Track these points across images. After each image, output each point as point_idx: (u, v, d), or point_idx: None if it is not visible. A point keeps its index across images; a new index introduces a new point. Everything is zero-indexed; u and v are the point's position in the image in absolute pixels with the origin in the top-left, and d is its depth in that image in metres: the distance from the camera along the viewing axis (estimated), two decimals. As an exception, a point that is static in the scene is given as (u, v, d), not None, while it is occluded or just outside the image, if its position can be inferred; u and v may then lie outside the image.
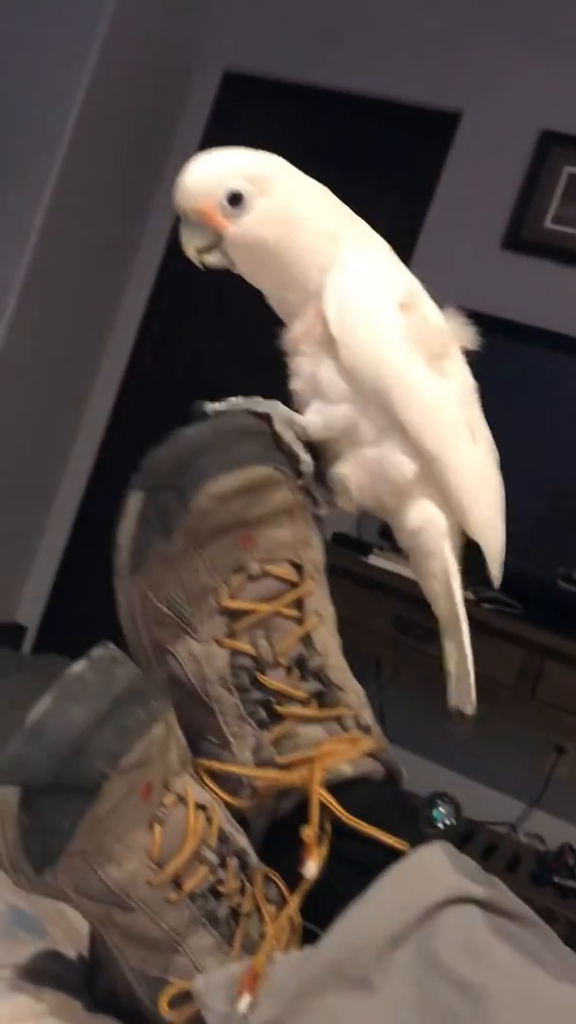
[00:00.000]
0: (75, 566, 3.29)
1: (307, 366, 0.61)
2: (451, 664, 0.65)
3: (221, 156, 0.60)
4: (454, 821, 2.35)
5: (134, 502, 0.58)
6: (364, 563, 2.35)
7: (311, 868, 0.53)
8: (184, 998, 0.50)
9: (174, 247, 3.28)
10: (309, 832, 0.54)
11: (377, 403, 0.59)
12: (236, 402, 0.60)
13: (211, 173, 0.59)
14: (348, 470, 0.61)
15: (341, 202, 0.63)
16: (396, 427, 0.59)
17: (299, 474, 0.59)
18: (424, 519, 0.62)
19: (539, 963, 0.50)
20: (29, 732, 0.49)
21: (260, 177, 0.59)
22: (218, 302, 3.14)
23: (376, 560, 2.36)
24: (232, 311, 3.10)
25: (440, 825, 2.34)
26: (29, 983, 0.55)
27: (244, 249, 0.60)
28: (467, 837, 2.39)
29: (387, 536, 2.61)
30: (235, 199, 0.58)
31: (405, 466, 0.60)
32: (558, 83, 2.73)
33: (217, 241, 0.61)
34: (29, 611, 3.32)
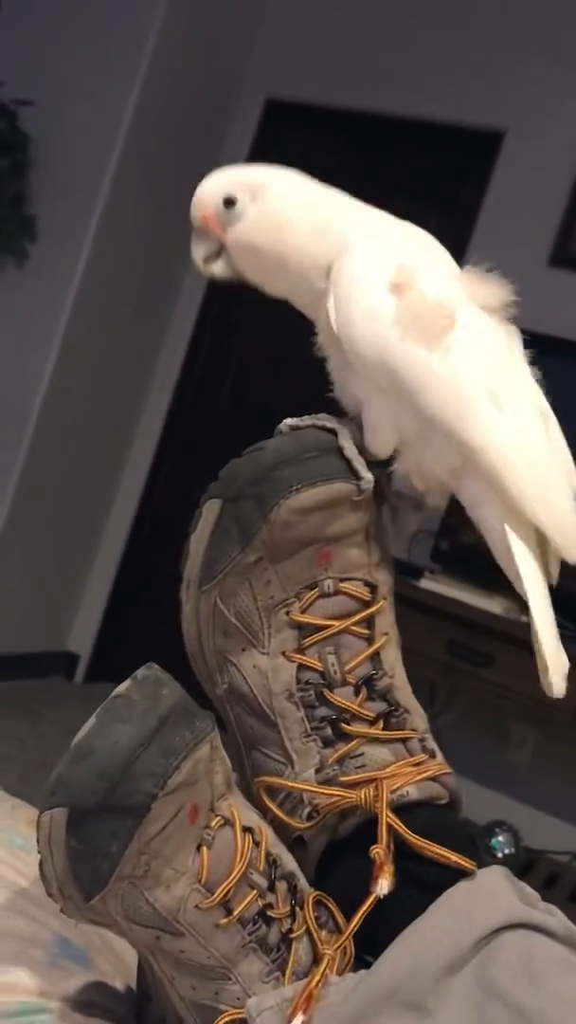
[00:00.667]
0: (125, 594, 3.30)
1: (336, 372, 0.61)
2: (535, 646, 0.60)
3: (226, 168, 0.61)
4: (513, 850, 2.30)
5: (211, 510, 0.58)
6: (415, 587, 2.32)
7: (383, 886, 0.51)
8: None
9: (217, 283, 3.30)
10: (379, 850, 0.52)
11: (396, 397, 0.57)
12: (310, 419, 0.60)
13: (212, 183, 0.60)
14: (404, 467, 0.59)
15: (350, 199, 0.62)
16: (422, 416, 0.57)
17: (361, 491, 0.58)
18: (474, 500, 0.58)
19: None
20: (75, 752, 0.48)
21: (254, 184, 0.59)
22: (261, 332, 3.16)
23: (428, 584, 2.33)
24: (275, 339, 3.12)
25: (499, 854, 2.29)
26: (76, 1013, 0.54)
27: (242, 255, 0.61)
28: (527, 867, 2.34)
29: (439, 559, 2.58)
30: (229, 204, 0.59)
31: (445, 453, 0.57)
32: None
33: (219, 250, 0.61)
34: (81, 639, 3.33)
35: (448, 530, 2.52)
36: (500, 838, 2.30)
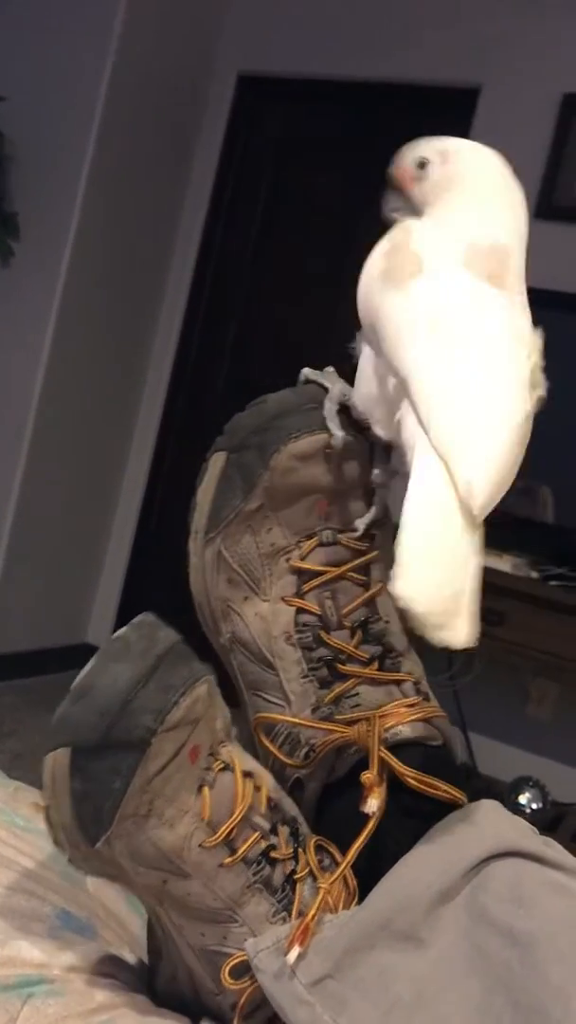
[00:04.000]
0: (139, 582, 3.32)
1: None
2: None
3: (431, 138, 0.63)
4: (541, 805, 2.31)
5: (217, 462, 0.60)
6: (425, 551, 2.32)
7: (372, 805, 0.52)
8: (246, 968, 0.50)
9: (205, 252, 3.30)
10: (369, 775, 0.53)
11: (371, 340, 0.57)
12: (319, 374, 0.61)
13: (414, 146, 0.62)
14: (374, 417, 0.58)
15: (508, 186, 0.60)
16: (381, 354, 0.56)
17: (332, 446, 0.58)
18: (406, 438, 0.54)
19: None
20: (75, 693, 0.49)
21: (447, 150, 0.60)
22: (258, 300, 3.15)
23: (437, 547, 2.32)
24: (270, 321, 3.11)
25: (527, 810, 2.30)
26: (78, 982, 0.54)
27: (420, 211, 0.61)
28: (556, 820, 2.35)
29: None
30: (422, 165, 0.61)
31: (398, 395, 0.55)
32: (575, 44, 2.67)
33: (407, 205, 0.62)
34: (98, 631, 3.35)
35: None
36: (527, 794, 2.31)
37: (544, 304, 2.52)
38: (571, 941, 0.47)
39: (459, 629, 0.47)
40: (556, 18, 2.70)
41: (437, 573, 0.48)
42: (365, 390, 0.58)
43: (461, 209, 0.58)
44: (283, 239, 3.12)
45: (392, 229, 0.60)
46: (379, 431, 0.58)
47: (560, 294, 2.46)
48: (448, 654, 2.45)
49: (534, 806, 2.30)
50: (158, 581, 3.36)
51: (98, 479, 3.25)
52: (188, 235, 3.27)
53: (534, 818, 2.29)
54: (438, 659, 3.12)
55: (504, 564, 2.26)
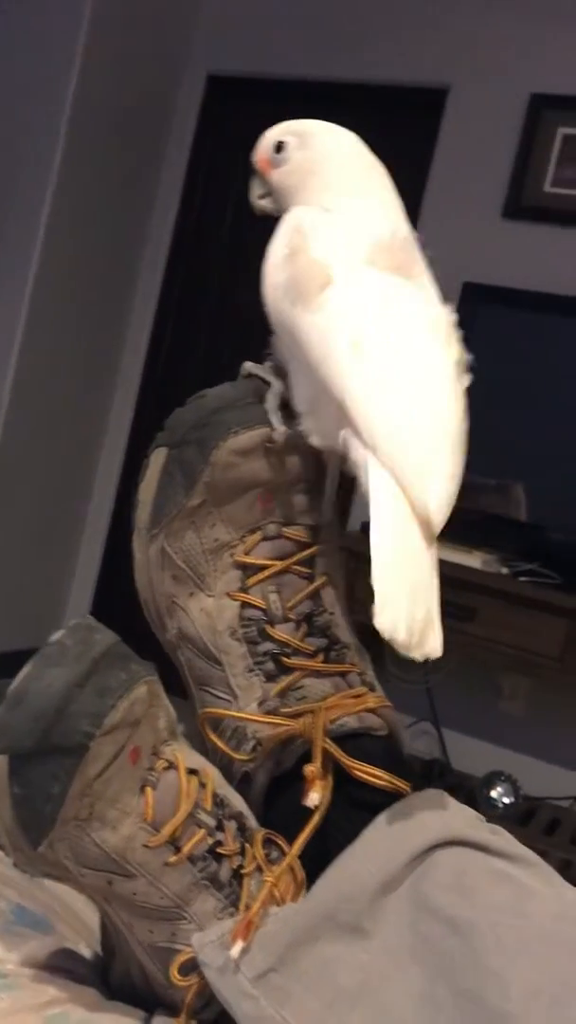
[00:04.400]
0: (112, 584, 3.31)
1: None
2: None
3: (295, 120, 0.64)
4: (513, 799, 2.33)
5: (158, 458, 0.61)
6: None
7: (314, 798, 0.53)
8: (195, 964, 0.50)
9: (176, 252, 3.29)
10: (312, 768, 0.54)
11: (295, 356, 0.58)
12: (259, 368, 0.62)
13: (273, 129, 0.64)
14: (307, 425, 0.59)
15: (374, 165, 0.63)
16: (309, 372, 0.56)
17: (273, 440, 0.59)
18: (355, 457, 0.55)
19: (534, 898, 0.50)
20: (11, 699, 0.49)
21: (303, 132, 0.62)
22: (229, 294, 3.15)
23: (408, 544, 2.34)
24: (241, 312, 3.11)
25: (499, 805, 2.32)
26: (31, 976, 0.54)
27: (281, 195, 0.63)
28: (529, 814, 2.36)
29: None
30: (279, 148, 0.62)
31: (328, 410, 0.56)
32: (544, 44, 2.69)
33: (270, 189, 0.64)
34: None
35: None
36: (499, 788, 2.33)
37: (511, 303, 2.55)
38: (511, 928, 0.48)
39: (432, 642, 0.50)
40: (524, 19, 2.72)
41: (412, 598, 0.50)
42: (302, 396, 0.58)
43: (338, 195, 0.59)
44: (254, 239, 3.12)
45: (284, 227, 0.60)
46: (315, 440, 0.58)
47: (526, 293, 2.48)
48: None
49: (506, 800, 2.32)
50: (132, 584, 3.35)
51: (71, 474, 3.24)
52: (158, 236, 3.27)
53: (506, 812, 2.31)
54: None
55: (475, 560, 2.28)
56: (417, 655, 0.50)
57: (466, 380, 0.56)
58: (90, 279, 3.10)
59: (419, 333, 0.55)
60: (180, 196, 3.24)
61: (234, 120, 3.19)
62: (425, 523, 0.52)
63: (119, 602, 3.45)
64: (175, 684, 0.62)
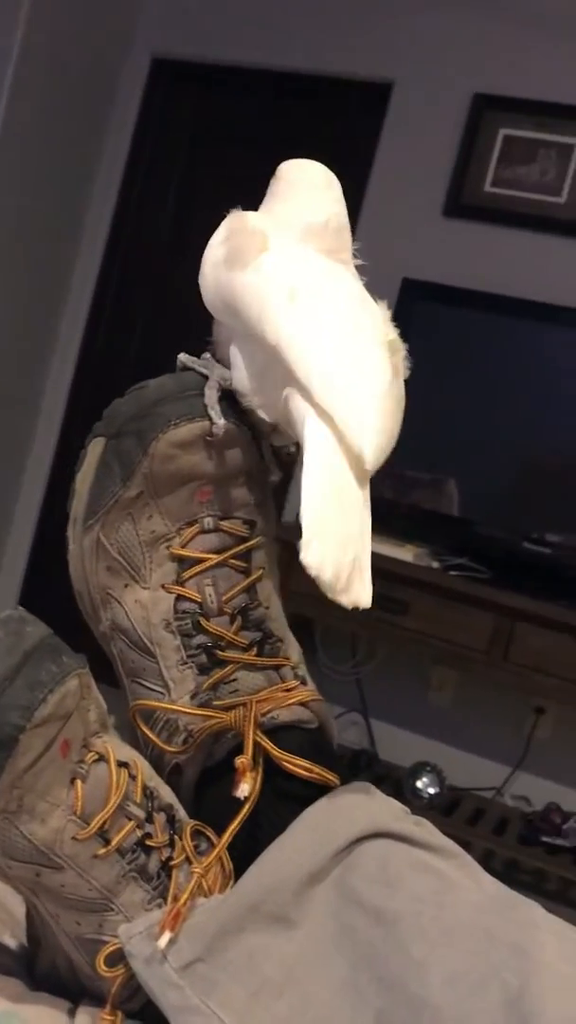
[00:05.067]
0: (41, 577, 3.26)
1: (214, 328, 0.63)
2: None
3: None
4: (438, 789, 2.37)
5: (95, 448, 0.60)
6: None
7: (244, 789, 0.53)
8: (122, 956, 0.50)
9: (116, 233, 3.25)
10: (243, 760, 0.54)
11: (234, 324, 0.59)
12: (197, 361, 0.61)
13: None
14: (255, 400, 0.59)
15: (336, 184, 0.64)
16: (247, 334, 0.57)
17: (213, 434, 0.59)
18: (293, 411, 0.55)
19: (456, 889, 0.51)
20: None
21: (278, 172, 0.64)
22: (167, 283, 3.13)
23: (342, 537, 2.36)
24: (181, 298, 3.09)
25: (424, 795, 2.36)
26: None
27: None
28: (453, 804, 2.41)
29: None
30: None
31: (272, 369, 0.56)
32: (488, 45, 2.72)
33: None
34: None
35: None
36: (425, 779, 2.37)
37: (448, 300, 2.58)
38: (433, 918, 0.49)
39: (359, 590, 0.51)
40: (469, 19, 2.75)
41: (341, 541, 0.51)
42: (241, 375, 0.59)
43: (284, 203, 0.61)
44: (195, 224, 3.11)
45: (224, 221, 0.61)
46: (263, 414, 0.58)
47: (464, 291, 2.51)
48: (352, 644, 2.53)
49: (431, 791, 2.36)
50: (62, 573, 3.31)
51: (1, 463, 3.19)
52: (98, 218, 3.22)
53: (431, 803, 2.35)
54: (343, 647, 3.18)
55: (407, 554, 2.31)
56: (344, 600, 0.50)
57: (402, 362, 0.57)
58: (26, 264, 3.04)
59: (354, 301, 0.57)
60: (120, 178, 3.20)
61: (178, 103, 3.16)
62: (359, 469, 0.52)
63: (48, 591, 3.41)
64: (107, 674, 0.62)
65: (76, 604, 0.64)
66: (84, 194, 3.18)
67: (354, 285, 0.59)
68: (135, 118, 3.18)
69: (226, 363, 0.61)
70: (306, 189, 0.61)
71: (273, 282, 0.56)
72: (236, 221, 0.60)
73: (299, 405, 0.54)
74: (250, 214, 0.60)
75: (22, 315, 3.09)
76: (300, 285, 0.56)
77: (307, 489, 0.51)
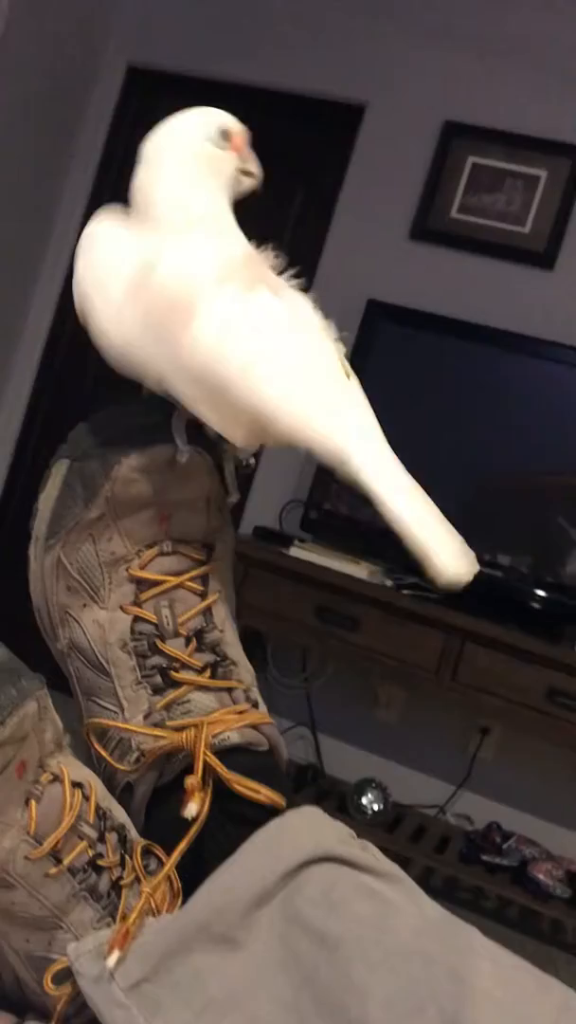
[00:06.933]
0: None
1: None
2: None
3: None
4: (382, 806, 2.39)
5: (59, 469, 0.61)
6: (286, 555, 2.37)
7: (192, 809, 0.54)
8: (69, 973, 0.51)
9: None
10: (192, 780, 0.55)
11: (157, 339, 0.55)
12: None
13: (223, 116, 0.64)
14: (212, 422, 0.56)
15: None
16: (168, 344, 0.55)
17: (176, 460, 0.60)
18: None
19: (398, 913, 0.52)
20: None
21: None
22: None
23: (297, 552, 2.38)
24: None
25: (368, 811, 2.37)
26: None
27: None
28: (396, 821, 2.43)
29: (308, 528, 2.63)
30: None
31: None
32: (460, 74, 2.77)
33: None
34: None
35: (316, 500, 2.57)
36: (369, 795, 2.39)
37: (412, 323, 2.61)
38: (375, 942, 0.50)
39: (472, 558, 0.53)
40: (443, 48, 2.79)
41: (452, 533, 0.52)
42: (207, 416, 0.57)
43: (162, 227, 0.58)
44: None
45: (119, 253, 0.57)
46: (228, 433, 0.57)
47: (427, 314, 2.55)
48: (303, 658, 2.54)
49: (375, 807, 2.38)
50: (10, 588, 3.26)
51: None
52: (68, 220, 3.22)
53: (375, 819, 2.37)
54: (293, 661, 3.18)
55: (361, 571, 2.33)
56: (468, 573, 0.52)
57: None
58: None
59: (312, 330, 0.56)
60: (90, 187, 3.20)
61: (151, 113, 3.15)
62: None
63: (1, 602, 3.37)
64: (63, 684, 0.63)
65: (32, 616, 0.64)
66: (54, 198, 3.17)
67: (307, 308, 0.57)
68: (108, 125, 3.18)
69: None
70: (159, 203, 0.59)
71: (240, 342, 0.53)
72: (145, 270, 0.55)
73: (330, 447, 0.52)
74: (165, 254, 0.56)
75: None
76: (257, 343, 0.54)
77: (403, 515, 0.51)
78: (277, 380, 0.53)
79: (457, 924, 0.54)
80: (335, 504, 2.52)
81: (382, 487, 0.52)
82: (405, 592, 2.33)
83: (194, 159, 0.61)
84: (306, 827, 0.56)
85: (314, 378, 0.54)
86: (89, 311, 0.58)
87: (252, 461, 0.64)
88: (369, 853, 0.57)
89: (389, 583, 2.35)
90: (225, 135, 0.62)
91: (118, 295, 0.56)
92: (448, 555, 0.51)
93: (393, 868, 0.57)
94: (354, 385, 0.57)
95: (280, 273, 0.58)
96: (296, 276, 0.58)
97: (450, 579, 0.51)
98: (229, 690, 0.61)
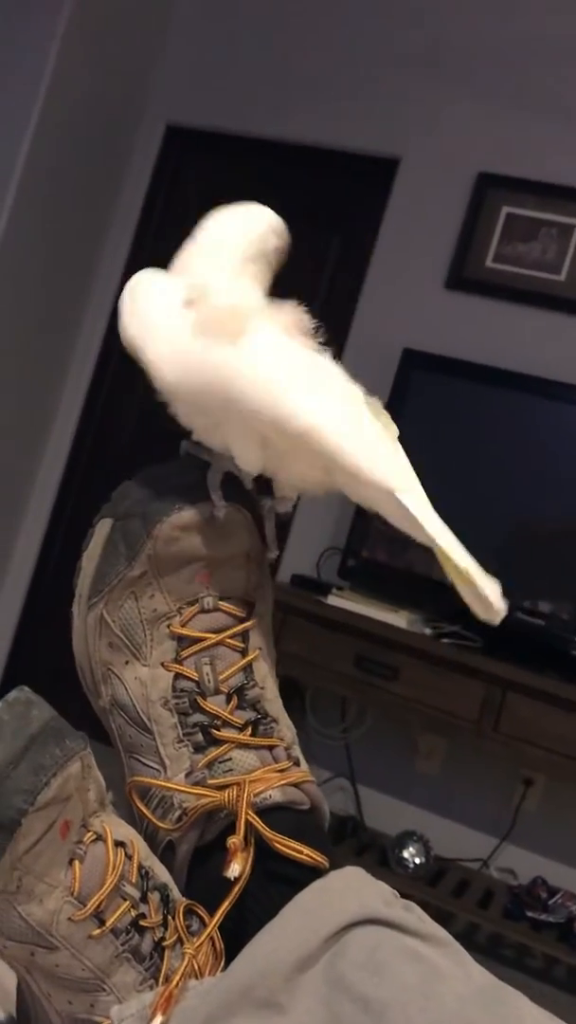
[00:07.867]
0: (28, 647, 3.25)
1: (186, 419, 0.62)
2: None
3: None
4: (424, 859, 2.34)
5: (102, 528, 0.62)
6: (324, 604, 2.36)
7: (235, 869, 0.54)
8: None
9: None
10: (235, 840, 0.55)
11: (223, 410, 0.58)
12: (195, 447, 0.62)
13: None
14: (277, 479, 0.60)
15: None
16: (252, 420, 0.57)
17: (214, 517, 0.60)
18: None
19: (444, 979, 0.51)
20: None
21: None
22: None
23: (335, 600, 2.37)
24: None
25: (410, 865, 2.33)
26: None
27: None
28: (438, 875, 2.39)
29: (346, 576, 2.62)
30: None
31: (296, 453, 0.57)
32: (493, 126, 2.81)
33: None
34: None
35: (354, 548, 2.57)
36: (411, 848, 2.35)
37: (447, 371, 2.63)
38: (420, 1009, 0.49)
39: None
40: (476, 100, 2.84)
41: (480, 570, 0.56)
42: (245, 459, 0.59)
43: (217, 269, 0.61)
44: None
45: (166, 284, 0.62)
46: (283, 488, 0.60)
47: (463, 362, 2.56)
48: (342, 707, 2.52)
49: (417, 860, 2.34)
50: (49, 642, 3.26)
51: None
52: (107, 280, 3.28)
53: (417, 872, 2.32)
54: (332, 711, 3.16)
55: (400, 620, 2.32)
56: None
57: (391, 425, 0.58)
58: (29, 333, 3.08)
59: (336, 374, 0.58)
60: (131, 243, 3.27)
61: (190, 171, 3.24)
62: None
63: (34, 665, 3.39)
64: (104, 736, 0.63)
65: (74, 673, 0.65)
66: (94, 258, 3.24)
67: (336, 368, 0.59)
68: (148, 183, 3.26)
69: (220, 447, 0.61)
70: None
71: (281, 364, 0.56)
72: (197, 292, 0.59)
73: (373, 491, 0.55)
74: (212, 283, 0.60)
75: (22, 389, 3.12)
76: (303, 365, 0.57)
77: (450, 553, 0.55)
78: (330, 418, 0.55)
79: (505, 991, 0.53)
80: (373, 551, 2.52)
81: (432, 519, 0.55)
82: (445, 641, 2.31)
83: (243, 258, 0.64)
84: (349, 888, 0.56)
85: (362, 421, 0.57)
86: (142, 340, 0.60)
87: (289, 508, 0.65)
88: (414, 915, 0.56)
89: (428, 631, 2.34)
90: (280, 236, 0.66)
91: (171, 319, 0.59)
92: (492, 584, 0.55)
93: (438, 931, 0.56)
94: (394, 433, 0.58)
95: (313, 334, 0.59)
96: (325, 343, 0.59)
97: (498, 609, 0.55)
98: (270, 748, 0.61)
